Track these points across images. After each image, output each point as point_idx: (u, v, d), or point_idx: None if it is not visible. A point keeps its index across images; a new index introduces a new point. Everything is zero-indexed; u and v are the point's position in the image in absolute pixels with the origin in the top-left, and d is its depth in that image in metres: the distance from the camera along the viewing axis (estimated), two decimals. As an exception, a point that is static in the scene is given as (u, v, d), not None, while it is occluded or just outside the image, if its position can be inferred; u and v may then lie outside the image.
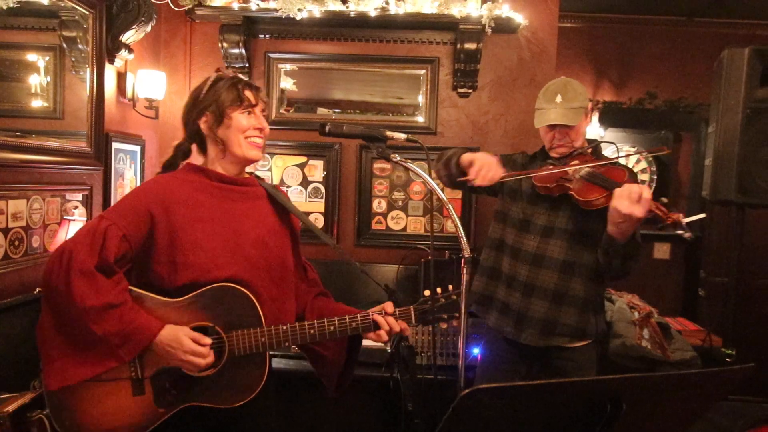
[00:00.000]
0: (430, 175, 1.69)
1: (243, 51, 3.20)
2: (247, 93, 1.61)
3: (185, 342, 1.46)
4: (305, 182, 3.38)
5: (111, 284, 1.44)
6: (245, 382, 1.54)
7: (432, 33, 3.26)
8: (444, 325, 1.66)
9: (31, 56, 2.40)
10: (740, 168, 2.74)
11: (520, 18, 3.13)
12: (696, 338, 3.13)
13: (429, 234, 3.29)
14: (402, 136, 1.69)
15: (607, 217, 1.83)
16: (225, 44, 3.18)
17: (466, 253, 1.58)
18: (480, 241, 3.24)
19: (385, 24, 3.18)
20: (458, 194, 3.26)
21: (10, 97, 2.33)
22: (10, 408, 1.72)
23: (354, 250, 3.34)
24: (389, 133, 1.67)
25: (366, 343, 1.71)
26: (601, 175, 1.95)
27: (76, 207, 2.53)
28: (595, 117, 4.46)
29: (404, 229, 3.37)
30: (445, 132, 3.33)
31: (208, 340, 1.49)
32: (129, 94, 3.01)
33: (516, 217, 2.22)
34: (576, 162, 2.07)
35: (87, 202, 2.62)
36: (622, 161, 2.19)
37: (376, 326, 1.61)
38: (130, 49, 2.84)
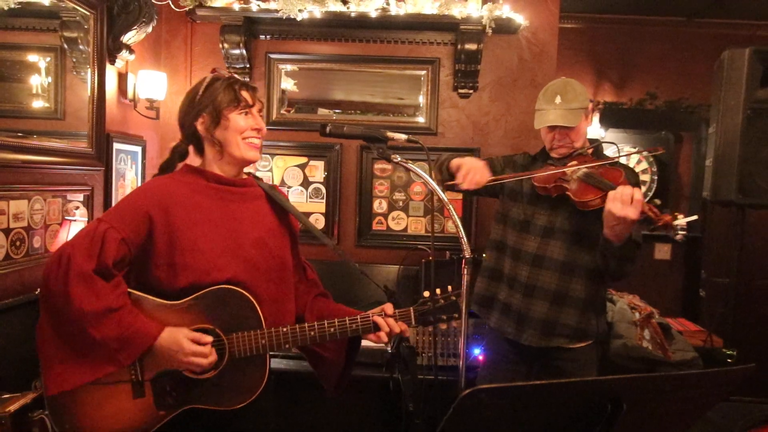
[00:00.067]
0: (430, 175, 1.69)
1: (244, 52, 3.20)
2: (244, 93, 1.60)
3: (185, 344, 1.45)
4: (306, 183, 3.38)
5: (110, 288, 1.43)
6: (246, 383, 1.54)
7: (432, 34, 3.26)
8: (443, 326, 1.65)
9: (32, 57, 2.40)
10: (741, 168, 2.74)
11: (520, 19, 3.13)
12: (697, 339, 3.13)
13: (430, 234, 3.29)
14: (403, 136, 1.69)
15: (603, 219, 1.84)
16: (226, 45, 3.18)
17: (467, 254, 1.58)
18: (481, 241, 3.25)
19: (386, 25, 3.18)
20: (459, 195, 3.25)
21: (11, 97, 2.34)
22: (12, 408, 1.73)
23: (355, 251, 3.34)
24: (390, 134, 1.68)
25: (366, 343, 1.71)
26: (598, 176, 1.95)
27: (77, 207, 2.53)
28: (596, 118, 4.46)
29: (405, 229, 3.37)
30: (446, 132, 3.33)
31: (208, 339, 1.49)
32: (130, 94, 3.01)
33: (516, 218, 2.22)
34: (574, 163, 2.08)
35: (88, 203, 2.63)
36: (623, 161, 2.19)
37: (376, 328, 1.60)
38: (131, 50, 2.85)
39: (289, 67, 3.36)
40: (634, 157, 4.58)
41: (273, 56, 3.33)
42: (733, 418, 2.34)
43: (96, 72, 2.64)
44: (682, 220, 1.69)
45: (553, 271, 2.10)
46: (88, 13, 2.57)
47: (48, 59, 2.43)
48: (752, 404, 2.51)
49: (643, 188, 4.50)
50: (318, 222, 3.36)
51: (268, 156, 3.37)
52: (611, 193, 1.77)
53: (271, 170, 3.37)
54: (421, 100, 3.32)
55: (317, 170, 3.38)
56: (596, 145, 2.22)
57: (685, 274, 4.67)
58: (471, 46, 3.11)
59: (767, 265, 4.31)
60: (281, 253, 1.68)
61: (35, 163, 2.27)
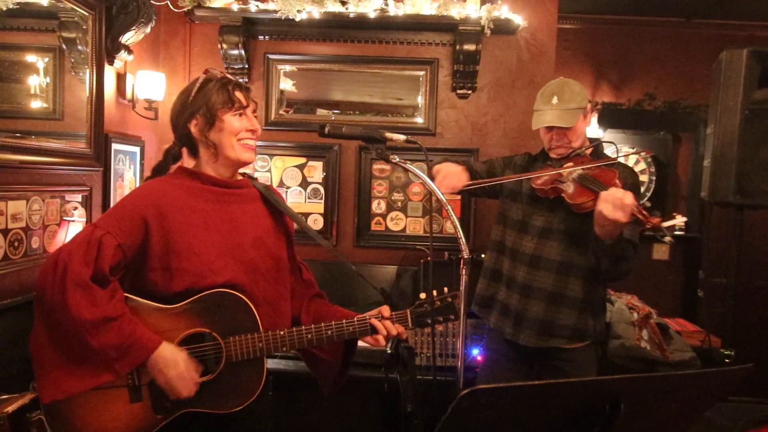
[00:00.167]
0: (429, 176, 1.69)
1: (242, 52, 3.20)
2: (238, 94, 1.58)
3: (181, 364, 1.44)
4: (304, 183, 3.38)
5: (107, 296, 1.41)
6: (243, 386, 1.54)
7: (431, 34, 3.26)
8: (440, 327, 1.65)
9: (31, 57, 2.40)
10: (739, 169, 2.74)
11: (519, 19, 3.13)
12: (695, 339, 3.13)
13: (428, 235, 3.29)
14: (401, 137, 1.69)
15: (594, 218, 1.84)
16: (224, 45, 3.18)
17: (465, 254, 1.58)
18: (479, 242, 3.25)
19: (385, 25, 3.18)
20: (457, 196, 3.25)
21: (9, 98, 2.34)
22: (10, 409, 1.72)
23: (353, 251, 3.34)
24: (388, 135, 1.67)
25: (365, 344, 1.71)
26: (592, 177, 1.94)
27: (75, 208, 2.53)
28: (595, 118, 4.46)
29: (403, 230, 3.37)
30: (445, 133, 3.33)
31: (195, 376, 1.48)
32: (128, 95, 3.01)
33: (515, 219, 2.22)
34: (570, 164, 2.08)
35: (86, 203, 2.62)
36: (623, 161, 2.19)
37: (373, 330, 1.60)
38: (129, 51, 2.85)
39: (287, 67, 3.36)
40: (632, 158, 4.59)
41: (272, 57, 3.33)
42: (732, 419, 2.34)
43: (94, 72, 2.64)
44: (669, 222, 1.69)
45: (549, 271, 2.11)
46: (86, 14, 2.57)
47: (46, 60, 2.43)
48: (751, 404, 2.51)
49: (642, 189, 4.51)
50: (317, 222, 3.36)
51: (266, 156, 3.37)
52: (602, 195, 1.77)
53: (269, 171, 3.37)
54: (420, 100, 3.33)
55: (316, 171, 3.37)
56: (595, 145, 2.21)
57: (683, 274, 4.68)
58: (469, 47, 3.11)
59: (765, 265, 4.32)
60: (278, 253, 1.67)
61: (33, 164, 2.27)
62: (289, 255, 1.73)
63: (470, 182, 2.20)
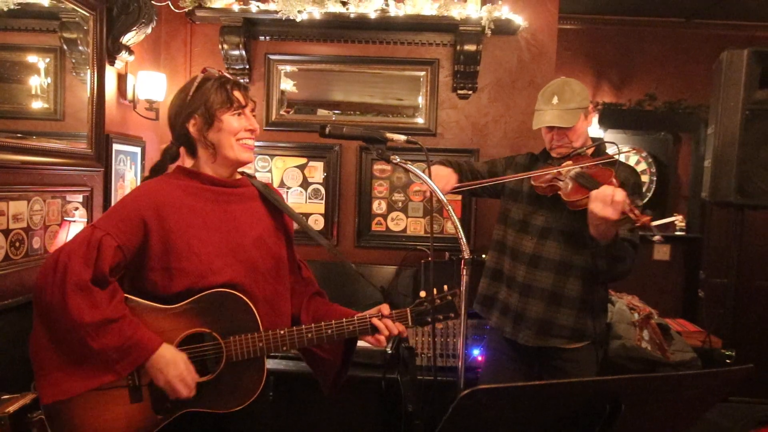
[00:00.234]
0: (429, 176, 1.70)
1: (243, 53, 3.21)
2: (237, 93, 1.57)
3: (181, 365, 1.45)
4: (305, 183, 3.38)
5: (107, 297, 1.41)
6: (244, 386, 1.54)
7: (432, 35, 3.26)
8: (440, 326, 1.65)
9: (32, 58, 2.40)
10: (739, 169, 2.74)
11: (519, 20, 3.13)
12: (696, 339, 3.13)
13: (429, 235, 3.29)
14: (402, 137, 1.69)
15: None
16: (225, 46, 3.19)
17: (466, 255, 1.58)
18: (480, 242, 3.25)
19: (385, 26, 3.18)
20: (458, 196, 3.25)
21: (10, 98, 2.34)
22: (11, 409, 1.72)
23: (354, 252, 3.34)
24: (389, 135, 1.67)
25: (366, 344, 1.72)
26: (589, 176, 1.94)
27: (76, 208, 2.53)
28: (595, 119, 4.47)
29: (404, 230, 3.37)
30: (445, 133, 3.33)
31: (195, 377, 1.48)
32: (129, 95, 3.01)
33: (516, 218, 2.23)
34: (569, 163, 2.08)
35: (87, 204, 2.63)
36: (624, 160, 2.18)
37: (374, 329, 1.60)
38: (130, 51, 2.85)
39: (288, 68, 3.37)
40: (633, 158, 4.59)
41: (272, 57, 3.33)
42: (732, 419, 2.34)
43: (95, 73, 2.64)
44: (659, 221, 1.68)
45: (549, 271, 2.11)
46: (87, 14, 2.57)
47: (47, 60, 2.44)
48: (752, 405, 2.51)
49: (642, 188, 4.50)
50: (317, 223, 3.36)
51: (267, 157, 3.37)
52: (592, 193, 1.76)
53: (270, 171, 3.37)
54: (421, 101, 3.33)
55: (316, 171, 3.38)
56: (597, 144, 2.21)
57: (684, 274, 4.68)
58: (470, 47, 3.11)
59: (766, 265, 4.32)
60: (278, 252, 1.67)
61: (34, 164, 2.27)
62: (288, 254, 1.73)
63: (458, 185, 2.23)
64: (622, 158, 2.26)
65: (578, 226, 2.06)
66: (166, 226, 1.48)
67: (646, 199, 4.53)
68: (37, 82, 2.38)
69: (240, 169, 1.69)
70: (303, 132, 3.35)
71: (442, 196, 1.66)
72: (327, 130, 1.67)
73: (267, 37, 3.33)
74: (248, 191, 1.67)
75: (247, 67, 3.28)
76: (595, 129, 4.45)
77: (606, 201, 1.71)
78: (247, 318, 1.53)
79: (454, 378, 1.70)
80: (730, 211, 3.08)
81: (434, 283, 1.67)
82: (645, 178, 4.57)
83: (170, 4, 3.10)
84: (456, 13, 3.04)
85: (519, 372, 2.22)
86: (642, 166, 4.61)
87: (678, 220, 1.76)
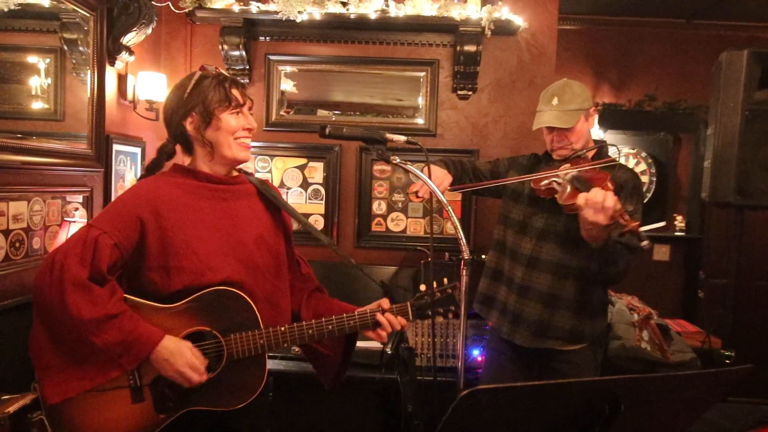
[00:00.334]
0: (429, 177, 1.70)
1: (243, 53, 3.21)
2: (235, 92, 1.56)
3: (186, 353, 1.44)
4: (305, 184, 3.39)
5: (106, 294, 1.41)
6: (245, 384, 1.54)
7: (432, 35, 3.26)
8: (440, 319, 1.65)
9: (32, 58, 2.40)
10: (739, 170, 2.75)
11: (519, 20, 3.13)
12: (695, 340, 3.13)
13: (429, 236, 3.30)
14: (402, 138, 1.69)
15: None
16: (225, 46, 3.19)
17: (466, 255, 1.58)
18: (479, 242, 3.25)
19: (385, 26, 3.19)
20: (458, 196, 3.26)
21: (10, 98, 2.34)
22: (11, 409, 1.72)
23: (354, 252, 3.35)
24: (389, 136, 1.68)
25: (365, 344, 1.72)
26: (585, 179, 1.93)
27: (76, 209, 2.53)
28: (595, 119, 4.46)
29: (404, 230, 3.37)
30: (445, 134, 3.33)
31: (204, 361, 1.48)
32: (130, 96, 3.01)
33: (516, 219, 2.23)
34: (567, 165, 2.08)
35: (87, 204, 2.63)
36: (623, 161, 2.18)
37: (374, 323, 1.60)
38: (130, 51, 2.85)
39: (288, 68, 3.37)
40: (632, 159, 4.60)
41: (272, 58, 3.33)
42: (731, 419, 2.35)
43: (96, 73, 2.64)
44: (647, 227, 1.68)
45: (546, 273, 2.11)
46: (87, 15, 2.57)
47: (48, 60, 2.44)
48: (751, 405, 2.52)
49: (642, 191, 4.50)
50: (317, 223, 3.37)
51: (267, 157, 3.37)
52: (583, 197, 1.76)
53: (270, 171, 3.38)
54: (421, 101, 3.33)
55: (316, 171, 3.38)
56: (599, 147, 2.21)
57: (683, 275, 4.68)
58: (470, 48, 3.11)
59: (766, 266, 4.32)
60: (277, 248, 1.67)
61: (35, 165, 2.27)
62: (287, 250, 1.72)
63: (456, 186, 2.26)
64: (621, 159, 2.26)
65: (576, 228, 2.06)
66: (164, 225, 1.48)
67: (646, 199, 4.54)
68: (37, 82, 2.39)
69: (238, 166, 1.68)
70: (303, 132, 3.35)
71: (441, 197, 1.66)
72: (327, 130, 1.67)
73: (267, 38, 3.33)
74: (246, 188, 1.67)
75: (247, 67, 3.28)
76: (594, 129, 4.44)
77: (597, 206, 1.71)
78: (247, 315, 1.53)
79: (454, 378, 1.71)
80: (729, 211, 3.08)
81: (434, 281, 1.67)
82: (645, 179, 4.57)
83: (170, 4, 3.10)
84: (456, 13, 3.04)
85: (519, 372, 2.22)
86: (642, 167, 4.61)
87: (663, 225, 1.76)
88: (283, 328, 1.55)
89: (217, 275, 1.50)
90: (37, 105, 2.41)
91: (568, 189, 1.94)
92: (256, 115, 3.15)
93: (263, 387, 1.56)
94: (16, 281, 2.18)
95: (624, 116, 4.56)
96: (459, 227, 1.64)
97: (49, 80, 2.42)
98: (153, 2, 2.85)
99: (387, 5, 3.06)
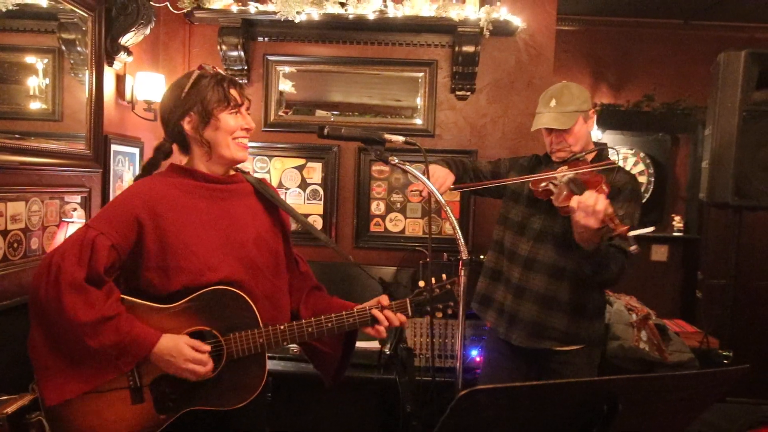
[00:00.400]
0: (426, 175, 1.70)
1: (242, 53, 3.21)
2: (233, 92, 1.56)
3: (185, 350, 1.44)
4: (304, 184, 3.38)
5: (103, 296, 1.41)
6: (246, 383, 1.54)
7: (430, 36, 3.26)
8: (440, 315, 1.65)
9: (30, 58, 2.40)
10: (737, 170, 2.75)
11: (518, 21, 3.14)
12: (694, 340, 3.14)
13: (427, 236, 3.30)
14: (400, 138, 1.69)
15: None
16: (224, 47, 3.19)
17: (464, 255, 1.58)
18: (478, 243, 3.25)
19: (384, 27, 3.19)
20: (456, 197, 3.26)
21: (8, 99, 2.34)
22: (9, 410, 1.72)
23: (353, 252, 3.34)
24: (387, 136, 1.68)
25: (365, 345, 1.72)
26: (580, 182, 1.93)
27: (74, 209, 2.53)
28: (594, 121, 4.46)
29: (402, 231, 3.37)
30: (444, 134, 3.34)
31: (207, 348, 1.47)
32: (128, 96, 3.01)
33: (514, 220, 2.23)
34: (564, 168, 2.08)
35: (86, 204, 2.63)
36: (622, 162, 2.18)
37: (374, 320, 1.60)
38: (129, 52, 2.85)
39: (287, 68, 3.37)
40: (631, 159, 4.60)
41: (271, 58, 3.33)
42: (730, 419, 2.35)
43: (94, 74, 2.64)
44: (636, 232, 1.68)
45: (542, 274, 2.11)
46: (86, 15, 2.57)
47: (46, 61, 2.43)
48: (750, 405, 2.52)
49: (640, 194, 4.51)
50: (316, 223, 3.37)
51: (265, 158, 3.37)
52: (575, 200, 1.75)
53: (268, 172, 3.38)
54: (419, 101, 3.33)
55: (315, 172, 3.38)
56: (599, 149, 2.20)
57: (682, 275, 4.68)
58: (468, 48, 3.12)
59: (764, 266, 4.33)
60: (275, 247, 1.67)
61: (33, 165, 2.27)
62: (285, 249, 1.72)
63: (457, 185, 2.26)
64: (619, 159, 2.26)
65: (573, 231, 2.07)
66: (161, 225, 1.48)
67: (644, 199, 4.54)
68: (35, 82, 2.38)
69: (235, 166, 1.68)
70: (301, 133, 3.35)
71: (440, 197, 1.66)
72: (325, 131, 1.67)
73: (265, 38, 3.33)
74: (243, 187, 1.67)
75: (246, 67, 3.28)
76: (593, 130, 4.45)
77: (588, 209, 1.71)
78: (247, 314, 1.52)
79: (453, 378, 1.71)
80: (727, 212, 3.09)
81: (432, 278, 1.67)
82: (643, 179, 4.58)
83: (169, 5, 3.10)
84: (454, 14, 3.04)
85: (517, 372, 2.23)
86: (640, 167, 4.61)
87: (651, 230, 1.75)
88: (282, 327, 1.55)
89: (215, 275, 1.50)
90: (35, 105, 2.41)
91: (564, 192, 1.94)
92: (255, 116, 3.15)
93: (263, 386, 1.55)
94: (14, 282, 2.18)
95: (622, 117, 4.56)
96: (457, 228, 1.64)
97: (48, 80, 2.42)
98: (151, 2, 2.85)
99: (385, 6, 3.07)
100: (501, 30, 3.13)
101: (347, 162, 3.36)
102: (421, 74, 3.31)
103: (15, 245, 2.20)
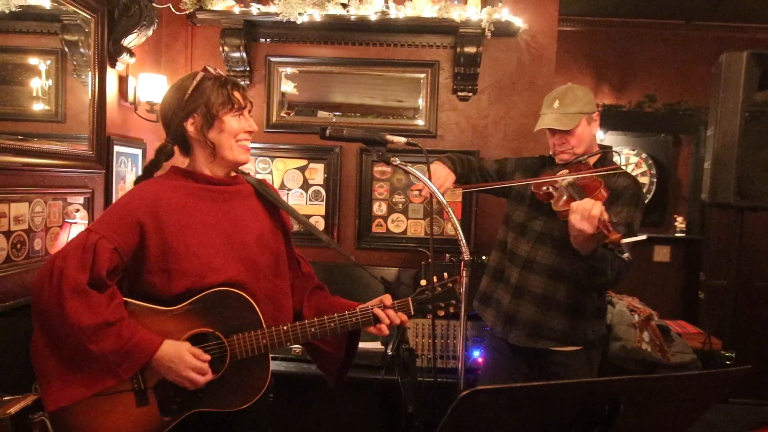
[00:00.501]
0: (428, 175, 1.70)
1: (244, 55, 3.21)
2: (237, 94, 1.56)
3: (186, 357, 1.44)
4: (306, 185, 3.39)
5: (105, 300, 1.40)
6: (249, 384, 1.54)
7: (432, 37, 3.27)
8: (442, 313, 1.65)
9: (33, 60, 2.41)
10: (739, 171, 2.75)
11: (519, 22, 3.14)
12: (696, 341, 3.13)
13: (429, 237, 3.30)
14: (402, 139, 1.70)
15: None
16: (226, 48, 3.19)
17: (466, 256, 1.58)
18: (480, 244, 3.25)
19: (386, 28, 3.19)
20: (458, 197, 3.26)
21: (12, 100, 2.34)
22: (12, 410, 1.72)
23: (354, 253, 3.34)
24: (389, 137, 1.68)
25: (367, 345, 1.72)
26: (579, 186, 1.93)
27: (77, 210, 2.53)
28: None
29: (404, 232, 3.37)
30: (445, 135, 3.34)
31: (207, 357, 1.48)
32: (130, 97, 3.02)
33: (517, 221, 2.24)
34: (565, 171, 2.08)
35: (88, 205, 2.63)
36: (624, 162, 2.18)
37: (376, 320, 1.61)
38: (131, 53, 2.86)
39: (289, 70, 3.37)
40: (633, 160, 4.60)
41: (273, 59, 3.34)
42: (732, 420, 2.35)
43: (97, 75, 2.64)
44: (628, 239, 1.68)
45: (541, 275, 2.12)
46: (89, 17, 2.58)
47: (49, 62, 2.44)
48: (752, 406, 2.51)
49: (641, 198, 4.50)
50: (318, 224, 3.37)
51: (267, 159, 3.38)
52: (572, 205, 1.76)
53: (271, 173, 3.38)
54: (421, 102, 3.33)
55: (317, 173, 3.38)
56: (603, 152, 2.19)
57: (684, 276, 4.68)
58: (470, 49, 3.12)
59: (766, 267, 4.32)
60: (277, 248, 1.67)
61: (36, 166, 2.28)
62: (287, 250, 1.73)
63: (461, 186, 2.29)
64: (622, 161, 2.26)
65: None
66: (164, 228, 1.48)
67: (646, 200, 4.54)
68: (38, 84, 2.39)
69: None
70: (303, 134, 3.35)
71: (441, 198, 1.66)
72: (327, 132, 1.67)
73: (268, 39, 3.34)
74: (244, 188, 1.67)
75: (248, 69, 3.29)
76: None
77: (583, 215, 1.71)
78: (250, 315, 1.53)
79: (454, 379, 1.71)
80: (729, 212, 3.08)
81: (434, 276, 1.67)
82: (645, 180, 4.57)
83: (171, 6, 3.11)
84: (456, 15, 3.04)
85: (517, 371, 2.23)
86: (642, 168, 4.61)
87: (645, 238, 1.75)
88: (285, 327, 1.55)
89: (218, 276, 1.51)
90: (38, 107, 2.42)
91: (564, 196, 1.95)
92: (257, 117, 3.16)
93: (267, 387, 1.56)
94: (17, 282, 2.19)
95: (624, 117, 4.56)
96: (459, 228, 1.64)
97: (50, 82, 2.43)
98: (154, 4, 2.86)
99: (387, 7, 3.07)
100: (503, 31, 3.13)
101: (349, 163, 3.36)
102: (422, 75, 3.32)
103: (18, 246, 2.20)
